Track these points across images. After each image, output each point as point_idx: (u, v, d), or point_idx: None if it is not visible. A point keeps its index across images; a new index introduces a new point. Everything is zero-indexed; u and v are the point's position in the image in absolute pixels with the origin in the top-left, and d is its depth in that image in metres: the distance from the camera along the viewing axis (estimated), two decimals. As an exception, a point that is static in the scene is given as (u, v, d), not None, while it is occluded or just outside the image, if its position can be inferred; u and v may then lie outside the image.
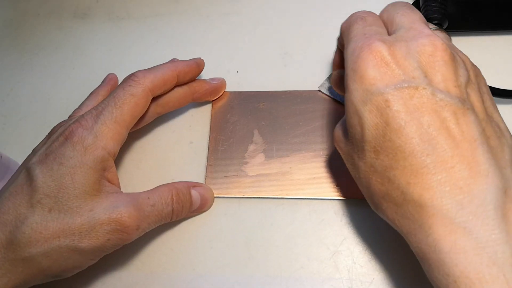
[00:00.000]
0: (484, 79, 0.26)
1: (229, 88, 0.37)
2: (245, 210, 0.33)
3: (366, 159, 0.24)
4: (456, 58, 0.23)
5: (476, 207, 0.20)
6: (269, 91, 0.36)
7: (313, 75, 0.36)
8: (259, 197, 0.33)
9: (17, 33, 0.43)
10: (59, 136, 0.28)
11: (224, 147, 0.35)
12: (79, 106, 0.33)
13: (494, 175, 0.21)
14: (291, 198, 0.32)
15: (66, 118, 0.32)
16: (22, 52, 0.42)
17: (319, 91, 0.35)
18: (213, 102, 0.37)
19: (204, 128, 0.36)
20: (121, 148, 0.35)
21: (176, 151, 0.35)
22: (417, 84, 0.22)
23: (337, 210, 0.32)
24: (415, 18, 0.26)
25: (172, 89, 0.34)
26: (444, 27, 0.34)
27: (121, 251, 0.30)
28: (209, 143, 0.35)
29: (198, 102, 0.37)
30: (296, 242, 0.31)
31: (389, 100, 0.22)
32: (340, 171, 0.32)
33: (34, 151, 0.30)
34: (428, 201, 0.21)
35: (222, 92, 0.37)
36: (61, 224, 0.26)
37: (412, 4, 0.37)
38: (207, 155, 0.35)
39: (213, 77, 0.37)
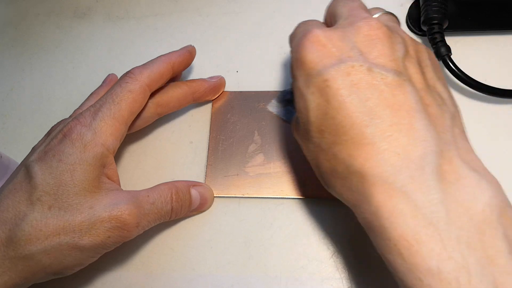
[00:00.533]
0: (429, 54, 0.26)
1: (229, 88, 0.37)
2: (245, 210, 0.33)
3: (313, 140, 0.25)
4: (392, 34, 0.25)
5: (413, 171, 0.21)
6: (269, 91, 0.36)
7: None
8: (259, 197, 0.33)
9: (17, 33, 0.43)
10: (58, 133, 0.28)
11: (224, 147, 0.35)
12: (80, 106, 0.33)
13: (431, 140, 0.21)
14: (291, 198, 0.32)
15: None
16: (22, 52, 0.42)
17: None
18: (213, 101, 0.37)
19: (204, 128, 0.36)
20: (121, 148, 0.35)
21: (176, 151, 0.35)
22: (353, 62, 0.23)
23: (337, 210, 0.32)
24: (353, 6, 0.27)
25: (172, 89, 0.34)
26: (444, 27, 0.34)
27: (121, 251, 0.30)
28: (209, 142, 0.35)
29: (198, 102, 0.37)
30: (296, 242, 0.31)
31: (328, 80, 0.23)
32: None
33: (33, 149, 0.30)
34: (369, 170, 0.21)
35: (222, 90, 0.37)
36: (61, 221, 0.26)
37: (412, 4, 0.38)
38: (207, 154, 0.35)
39: (212, 76, 0.37)
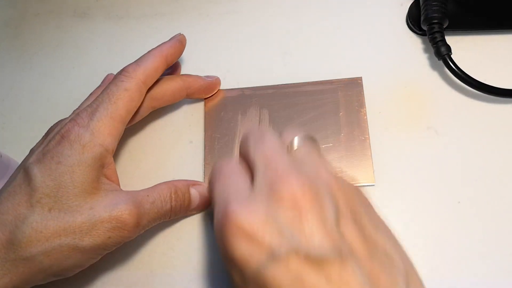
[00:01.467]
0: (358, 195, 0.23)
1: (228, 86, 0.37)
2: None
3: None
4: (318, 195, 0.21)
5: None
6: (256, 87, 0.36)
7: (313, 75, 0.36)
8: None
9: (17, 33, 0.43)
10: (56, 135, 0.28)
11: (220, 145, 0.34)
12: (78, 106, 0.32)
13: None
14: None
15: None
16: (22, 51, 0.42)
17: None
18: (206, 100, 0.36)
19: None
20: (121, 149, 0.35)
21: (176, 150, 0.35)
22: (287, 250, 0.20)
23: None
24: (267, 154, 0.24)
25: (166, 82, 0.34)
26: (445, 26, 0.34)
27: (121, 250, 0.30)
28: (204, 141, 0.35)
29: (197, 101, 0.37)
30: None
31: (266, 278, 0.20)
32: (338, 164, 0.32)
33: (32, 151, 0.30)
34: None
35: (216, 91, 0.37)
36: (61, 223, 0.26)
37: (412, 3, 0.37)
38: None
39: (209, 75, 0.37)
